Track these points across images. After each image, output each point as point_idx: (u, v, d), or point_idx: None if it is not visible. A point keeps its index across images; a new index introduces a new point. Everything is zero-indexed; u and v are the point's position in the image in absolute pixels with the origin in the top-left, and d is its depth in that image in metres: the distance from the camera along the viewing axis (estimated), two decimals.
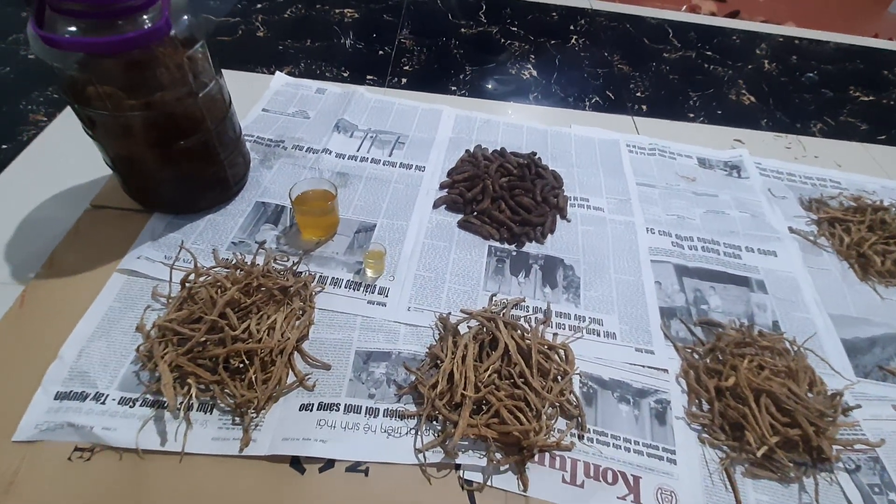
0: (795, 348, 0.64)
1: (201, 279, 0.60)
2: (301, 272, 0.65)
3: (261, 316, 0.57)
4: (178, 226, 0.69)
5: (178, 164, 0.65)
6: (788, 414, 0.55)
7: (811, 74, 1.31)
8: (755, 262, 0.77)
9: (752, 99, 1.18)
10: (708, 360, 0.62)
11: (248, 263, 0.63)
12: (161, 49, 0.56)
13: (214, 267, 0.62)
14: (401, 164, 0.84)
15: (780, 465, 0.53)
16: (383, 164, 0.84)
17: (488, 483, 0.50)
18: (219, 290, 0.57)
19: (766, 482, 0.53)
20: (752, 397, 0.55)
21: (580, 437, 0.54)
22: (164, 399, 0.51)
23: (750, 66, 1.30)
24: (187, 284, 0.59)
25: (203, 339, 0.53)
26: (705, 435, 0.56)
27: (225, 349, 0.53)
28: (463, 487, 0.50)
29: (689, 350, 0.64)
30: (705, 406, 0.58)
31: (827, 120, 1.15)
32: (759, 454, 0.53)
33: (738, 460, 0.54)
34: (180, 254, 0.64)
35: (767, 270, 0.76)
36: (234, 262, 0.63)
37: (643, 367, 0.62)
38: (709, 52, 1.33)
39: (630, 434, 0.55)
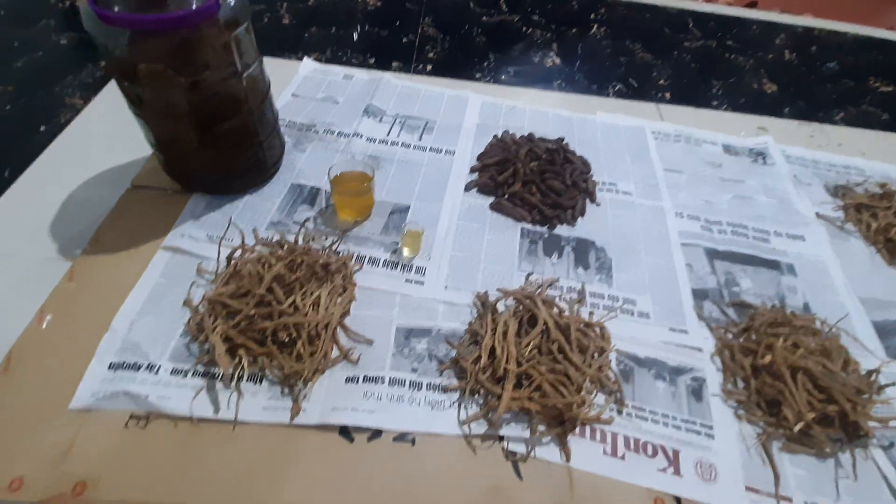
0: (828, 329, 0.64)
1: (247, 255, 0.61)
2: (340, 251, 0.67)
3: (305, 291, 0.59)
4: (217, 206, 0.71)
5: (219, 145, 0.66)
6: (825, 390, 0.56)
7: (831, 64, 1.31)
8: (784, 247, 0.77)
9: (774, 88, 1.18)
10: (742, 340, 0.63)
11: (291, 242, 0.64)
12: (208, 29, 0.57)
13: (257, 244, 0.64)
14: (430, 148, 0.85)
15: (816, 441, 0.54)
16: (413, 149, 0.85)
17: (532, 454, 0.51)
18: (265, 266, 0.59)
19: (802, 456, 0.54)
20: (789, 374, 0.56)
21: (619, 412, 0.56)
22: (216, 370, 0.52)
23: (770, 56, 1.30)
24: (233, 260, 0.60)
25: (252, 312, 0.54)
26: (742, 411, 0.57)
27: (273, 322, 0.54)
28: (507, 458, 0.51)
29: (723, 330, 0.65)
30: (741, 384, 0.59)
31: (849, 109, 1.15)
32: (795, 429, 0.54)
33: (775, 435, 0.55)
34: (228, 231, 0.66)
35: (796, 254, 0.76)
36: (277, 239, 0.64)
37: (677, 346, 0.62)
38: (729, 42, 1.33)
39: (668, 410, 0.56)
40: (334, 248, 0.66)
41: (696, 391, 0.58)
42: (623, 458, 0.52)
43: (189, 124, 0.63)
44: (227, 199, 0.71)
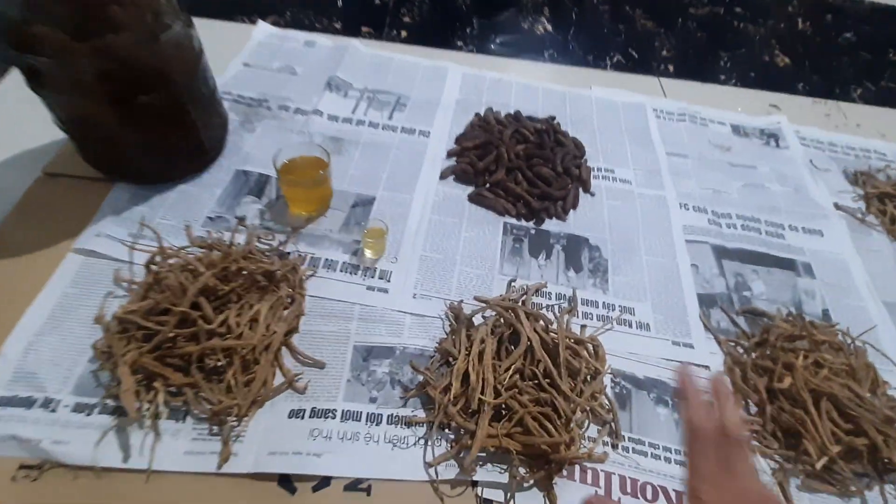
0: (851, 342, 0.56)
1: (170, 261, 0.51)
2: (289, 253, 0.56)
3: (242, 306, 0.49)
4: (144, 198, 0.60)
5: (141, 124, 0.55)
6: (851, 419, 0.48)
7: (848, 35, 1.20)
8: (800, 243, 0.68)
9: (787, 60, 1.08)
10: (755, 356, 0.55)
11: (227, 243, 0.54)
12: None
13: (186, 247, 0.53)
14: (402, 128, 0.74)
15: (840, 478, 0.47)
16: (382, 129, 0.73)
17: (510, 501, 0.43)
18: (190, 276, 0.48)
19: (824, 496, 0.47)
20: (811, 401, 0.48)
21: (614, 447, 0.47)
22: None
23: (782, 25, 1.19)
24: (153, 268, 0.50)
25: (172, 334, 0.45)
26: (755, 443, 0.49)
27: (199, 346, 0.45)
28: None
29: (733, 343, 0.56)
30: (753, 408, 0.51)
31: (867, 85, 1.05)
32: (818, 466, 0.46)
33: (793, 472, 0.47)
34: (144, 231, 0.55)
35: (814, 252, 0.68)
36: (209, 241, 0.54)
37: (682, 363, 0.54)
38: (738, 9, 1.21)
39: (670, 441, 0.48)
40: (283, 249, 0.56)
41: None
42: (618, 503, 0.44)
43: (99, 100, 0.52)
44: (156, 190, 0.60)
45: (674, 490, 0.45)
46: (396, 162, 0.69)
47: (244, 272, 0.50)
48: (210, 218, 0.59)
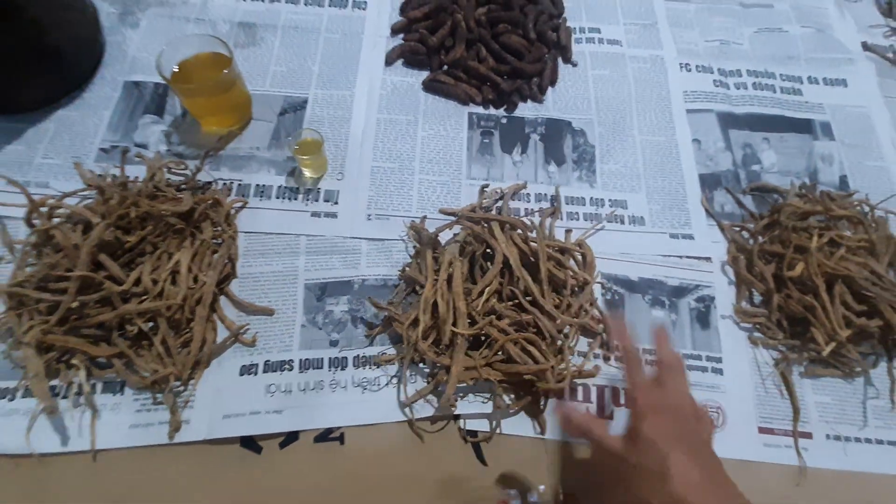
0: (869, 211, 0.50)
1: (59, 213, 0.41)
2: (209, 183, 0.46)
3: (158, 257, 0.40)
4: (14, 132, 0.47)
5: None
6: (865, 300, 0.43)
7: None
8: (819, 98, 0.58)
9: None
10: (763, 240, 0.48)
11: (121, 181, 0.43)
12: None
13: (76, 192, 0.43)
14: (331, 1, 0.58)
15: (845, 360, 0.44)
16: (305, 4, 0.58)
17: (497, 430, 0.40)
18: (82, 229, 0.39)
19: (826, 381, 0.44)
20: (823, 286, 0.43)
21: (605, 359, 0.43)
22: (58, 382, 0.37)
23: None
24: (35, 223, 0.40)
25: (74, 302, 0.37)
26: (758, 334, 0.45)
27: (113, 312, 0.38)
28: (466, 440, 0.40)
29: (738, 229, 0.49)
30: (758, 299, 0.47)
31: None
32: (825, 352, 0.42)
33: (797, 360, 0.44)
34: (29, 174, 0.44)
35: (834, 107, 0.57)
36: (104, 181, 0.43)
37: (680, 257, 0.48)
38: None
39: None
40: (196, 178, 0.46)
41: (702, 315, 0.46)
42: (611, 416, 0.41)
43: None
44: (27, 121, 0.48)
45: None
46: (328, 48, 0.55)
47: (152, 216, 0.41)
48: (103, 150, 0.47)
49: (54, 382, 0.38)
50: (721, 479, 0.30)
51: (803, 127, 0.56)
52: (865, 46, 0.62)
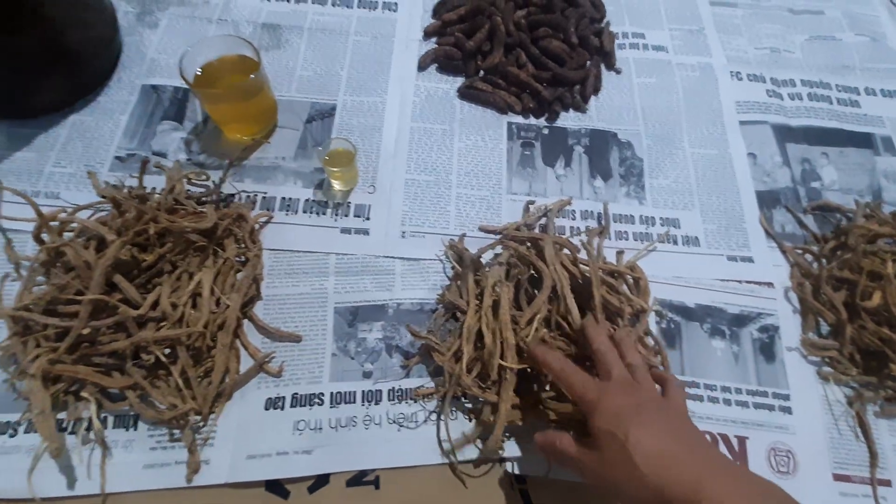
0: None
1: (70, 229, 0.38)
2: (232, 196, 0.43)
3: (178, 278, 0.37)
4: (24, 138, 0.44)
5: None
6: None
7: None
8: (878, 110, 0.54)
9: None
10: (828, 263, 0.44)
11: (137, 194, 0.40)
12: None
13: (90, 205, 0.39)
14: (360, 3, 0.55)
15: None
16: (333, 5, 0.54)
17: (547, 474, 0.36)
18: (95, 246, 0.36)
19: None
20: None
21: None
22: (64, 416, 0.33)
23: None
24: (44, 238, 0.37)
25: (85, 329, 0.33)
26: (828, 369, 0.41)
27: (128, 340, 0.34)
28: (513, 485, 0.36)
29: (801, 251, 0.46)
30: (825, 328, 0.43)
31: None
32: None
33: (872, 399, 0.40)
34: (38, 183, 0.41)
35: (895, 121, 0.54)
36: (119, 192, 0.40)
37: (739, 282, 0.44)
38: None
39: (729, 380, 0.40)
40: (219, 191, 0.42)
41: (766, 346, 0.42)
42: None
43: None
44: (39, 126, 0.44)
45: (735, 436, 0.39)
46: (357, 52, 0.52)
47: (172, 233, 0.37)
48: (119, 158, 0.44)
49: (61, 416, 0.35)
50: (694, 442, 0.30)
51: (863, 141, 0.52)
52: None
